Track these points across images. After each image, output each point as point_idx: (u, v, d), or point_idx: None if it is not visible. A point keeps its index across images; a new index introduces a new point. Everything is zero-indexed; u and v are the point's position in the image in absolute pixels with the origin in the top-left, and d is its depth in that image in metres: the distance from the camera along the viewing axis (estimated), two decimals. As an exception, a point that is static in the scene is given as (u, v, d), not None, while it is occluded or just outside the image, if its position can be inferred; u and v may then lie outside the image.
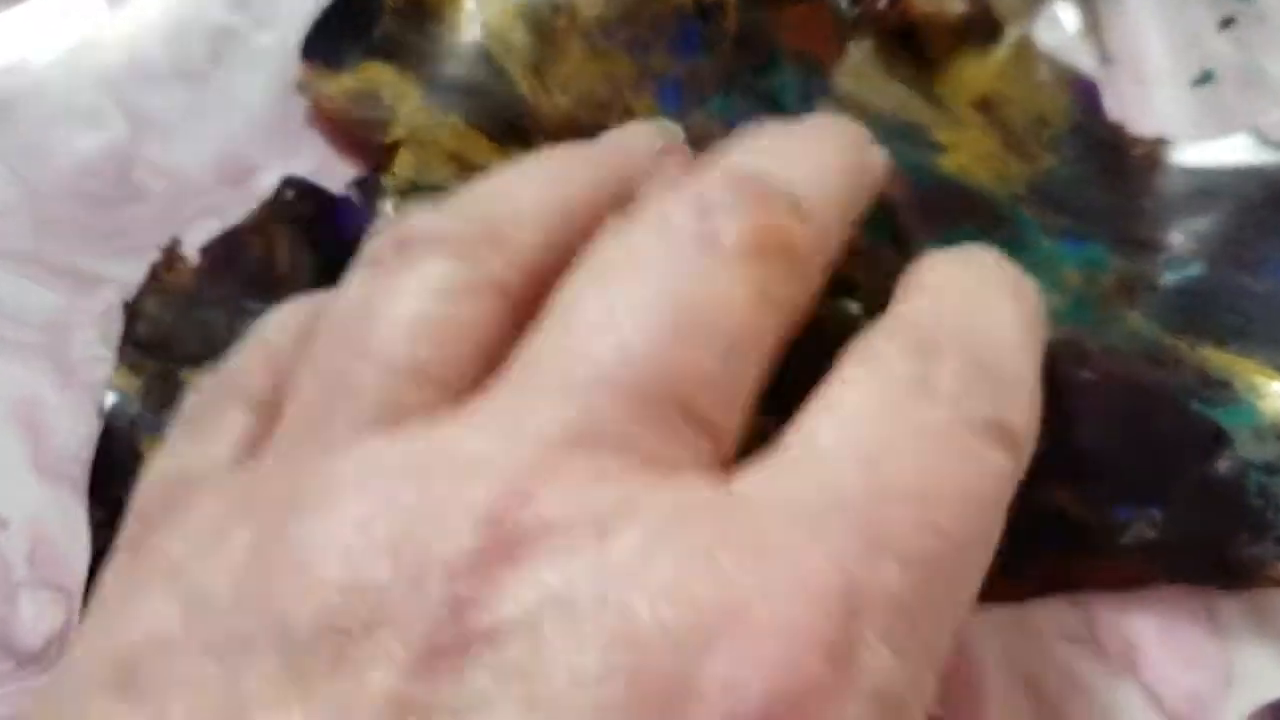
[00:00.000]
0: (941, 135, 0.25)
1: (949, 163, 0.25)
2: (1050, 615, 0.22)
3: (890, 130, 0.25)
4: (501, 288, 0.17)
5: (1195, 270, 0.24)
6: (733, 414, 0.16)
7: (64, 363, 0.25)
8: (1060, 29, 0.27)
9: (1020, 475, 0.17)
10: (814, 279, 0.18)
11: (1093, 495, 0.22)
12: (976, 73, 0.25)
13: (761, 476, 0.15)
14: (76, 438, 0.24)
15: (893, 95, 0.25)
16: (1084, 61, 0.27)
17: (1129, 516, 0.22)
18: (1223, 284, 0.24)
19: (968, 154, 0.25)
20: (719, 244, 0.16)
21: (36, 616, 0.23)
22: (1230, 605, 0.22)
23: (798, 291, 0.18)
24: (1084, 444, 0.23)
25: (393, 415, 0.15)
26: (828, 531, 0.14)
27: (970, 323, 0.18)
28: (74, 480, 0.24)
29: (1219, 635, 0.22)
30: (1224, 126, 0.26)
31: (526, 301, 0.17)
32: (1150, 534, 0.22)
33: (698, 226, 0.17)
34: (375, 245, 0.18)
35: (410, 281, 0.17)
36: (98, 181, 0.26)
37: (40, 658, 0.23)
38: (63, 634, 0.23)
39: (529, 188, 0.19)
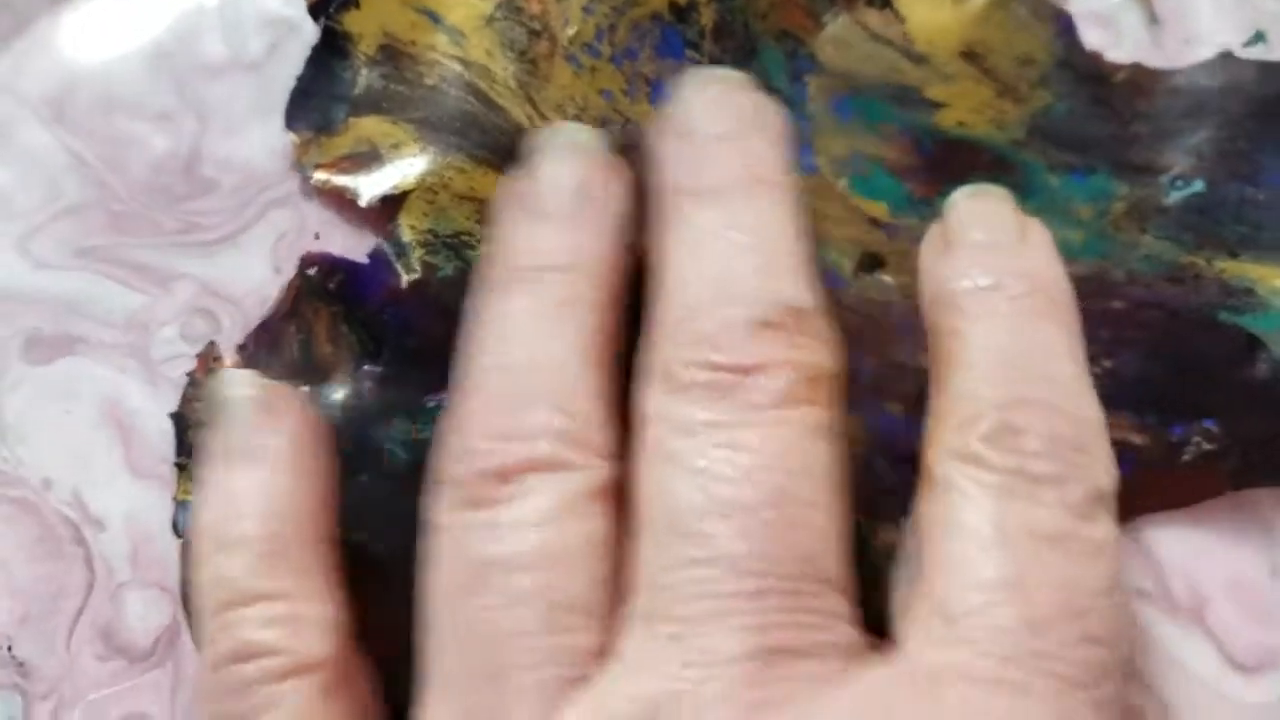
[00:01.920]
0: (934, 93, 0.25)
1: (946, 119, 0.25)
2: (1123, 569, 0.23)
3: (883, 95, 0.25)
4: (603, 487, 0.18)
5: (1198, 187, 0.25)
6: (846, 559, 0.18)
7: (148, 361, 0.25)
8: None
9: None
10: (841, 369, 0.19)
11: (1146, 419, 0.23)
12: (955, 24, 0.26)
13: (923, 635, 0.17)
14: (165, 436, 0.24)
15: (879, 61, 0.26)
16: (1132, 22, 0.27)
17: (1185, 432, 0.23)
18: (1226, 196, 0.25)
19: (963, 107, 0.25)
20: (767, 404, 0.17)
21: (144, 615, 0.23)
22: None
23: (837, 391, 0.19)
24: (1128, 372, 0.23)
25: (570, 665, 0.17)
26: (1018, 688, 0.16)
27: (1030, 372, 0.19)
28: (165, 479, 0.24)
29: None
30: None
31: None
32: (1209, 446, 0.23)
33: (743, 397, 0.17)
34: (456, 475, 0.18)
35: (526, 513, 0.17)
36: (168, 177, 0.26)
37: (149, 655, 0.23)
38: (170, 631, 0.23)
39: (555, 353, 0.19)
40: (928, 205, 0.25)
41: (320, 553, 0.19)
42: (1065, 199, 0.25)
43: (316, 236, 0.25)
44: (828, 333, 0.19)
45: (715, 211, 0.20)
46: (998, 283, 0.20)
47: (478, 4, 0.25)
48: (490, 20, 0.25)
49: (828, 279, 0.24)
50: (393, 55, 0.25)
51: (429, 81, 0.25)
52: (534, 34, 0.25)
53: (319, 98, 0.25)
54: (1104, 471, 0.19)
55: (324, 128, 0.25)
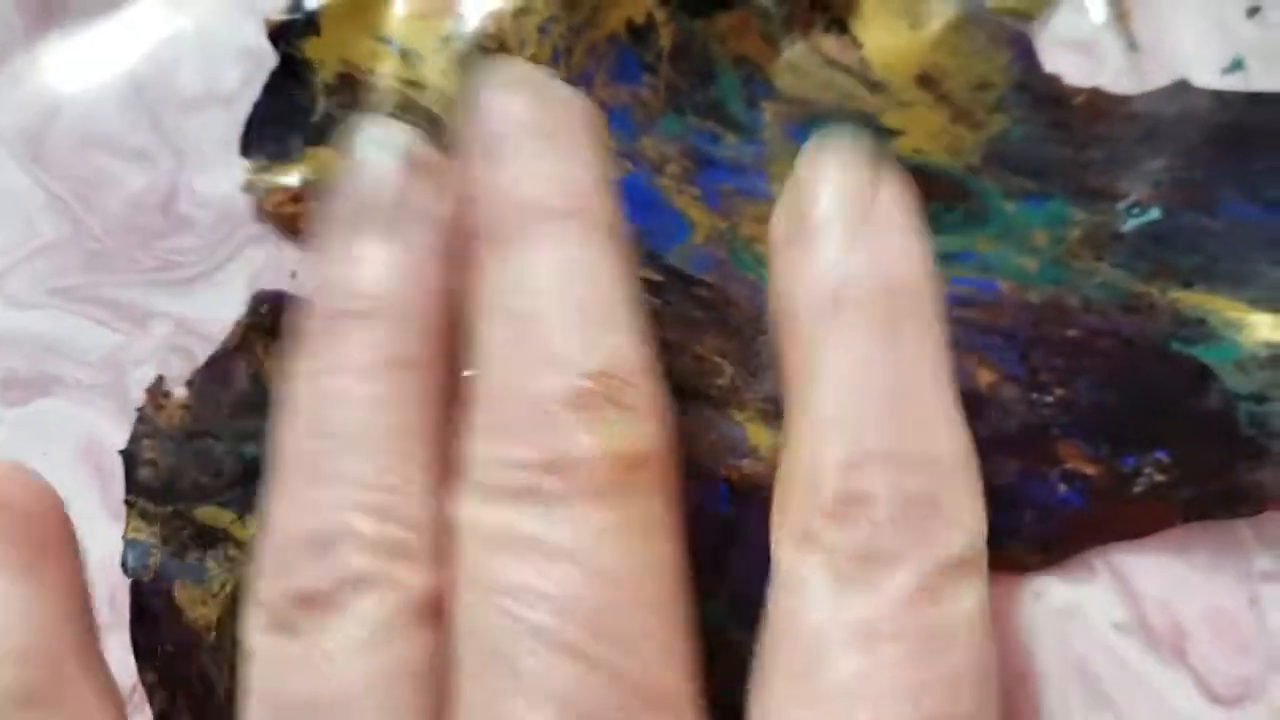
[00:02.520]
0: (890, 120, 0.25)
1: (902, 146, 0.25)
2: (1100, 604, 0.23)
3: (837, 125, 0.25)
4: (426, 600, 0.16)
5: (1154, 215, 0.25)
6: (689, 669, 0.16)
7: (125, 401, 0.25)
8: (1087, 19, 0.27)
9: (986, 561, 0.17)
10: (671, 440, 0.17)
11: (1099, 449, 0.23)
12: (912, 50, 0.25)
13: None
14: (143, 478, 0.24)
15: (837, 88, 0.26)
16: (1111, 48, 0.27)
17: (1137, 463, 0.23)
18: (1182, 225, 0.25)
19: (919, 134, 0.25)
20: (579, 503, 0.16)
21: (122, 659, 0.23)
22: (1275, 593, 0.23)
23: (668, 468, 0.17)
24: (1081, 401, 0.23)
25: None
26: None
27: (878, 409, 0.17)
28: (144, 520, 0.24)
29: (1265, 622, 0.23)
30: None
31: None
32: (1160, 477, 0.23)
33: (551, 498, 0.16)
34: (265, 595, 0.17)
35: (340, 643, 0.16)
36: (145, 215, 0.26)
37: (128, 699, 0.23)
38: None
39: (364, 427, 0.17)
40: None
41: None
42: (1022, 225, 0.25)
43: (294, 275, 0.25)
44: (652, 397, 0.17)
45: (514, 257, 0.17)
46: (842, 285, 0.17)
47: (435, 26, 0.25)
48: (446, 41, 0.25)
49: None
50: (350, 84, 0.25)
51: (384, 110, 0.25)
52: (488, 54, 0.25)
53: (276, 126, 0.25)
54: (961, 531, 0.17)
55: (279, 156, 0.25)
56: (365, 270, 0.18)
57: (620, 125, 0.25)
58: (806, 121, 0.26)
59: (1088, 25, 0.27)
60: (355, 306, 0.17)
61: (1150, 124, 0.25)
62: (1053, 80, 0.26)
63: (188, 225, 0.26)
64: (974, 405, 0.23)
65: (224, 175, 0.26)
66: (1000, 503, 0.23)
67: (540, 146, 0.18)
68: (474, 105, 0.18)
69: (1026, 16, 0.27)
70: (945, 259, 0.25)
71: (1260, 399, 0.23)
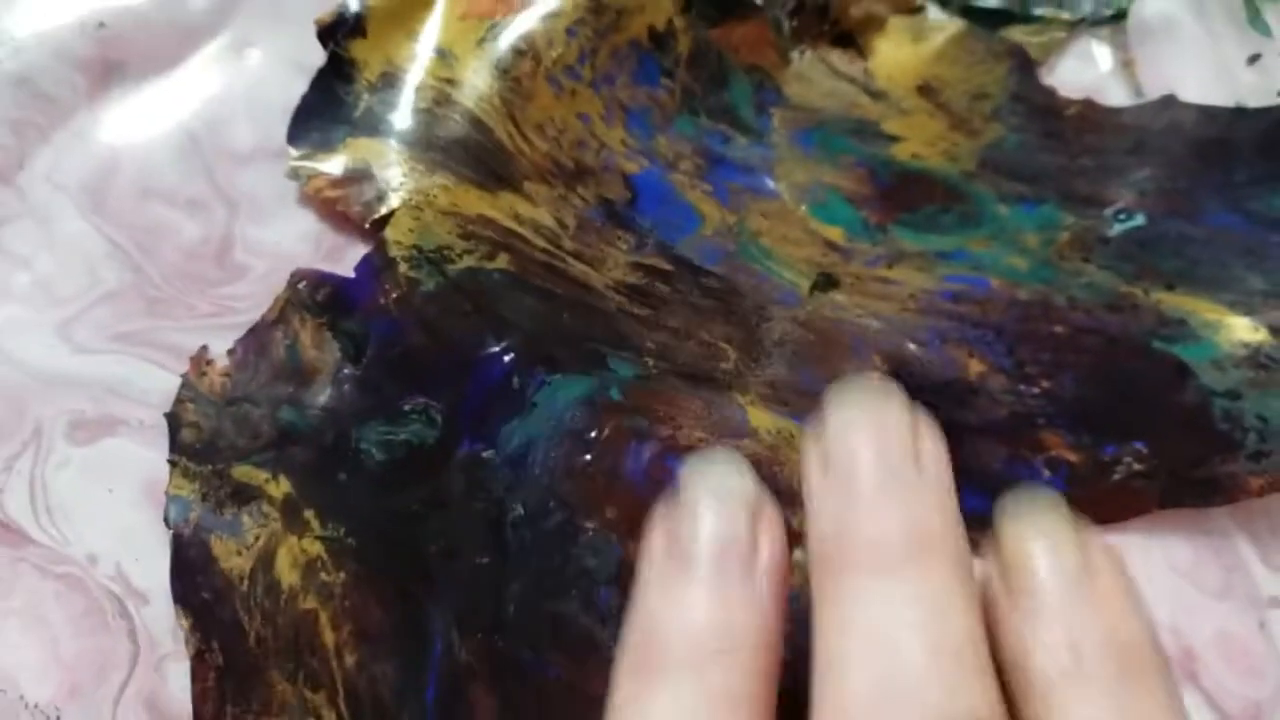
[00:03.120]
0: (891, 126, 0.27)
1: (901, 151, 0.27)
2: None
3: (843, 129, 0.27)
4: None
5: (1139, 220, 0.26)
6: None
7: None
8: (1094, 66, 0.29)
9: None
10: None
11: (1081, 438, 0.24)
12: (914, 61, 0.27)
13: None
14: (204, 513, 0.25)
15: (841, 96, 0.27)
16: (1117, 94, 0.28)
17: (1116, 452, 0.24)
18: (1165, 231, 0.26)
19: (918, 140, 0.27)
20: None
21: (186, 686, 0.24)
22: None
23: None
24: (1066, 393, 0.25)
25: None
26: None
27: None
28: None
29: (1275, 645, 0.24)
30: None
31: None
32: (1138, 466, 0.24)
33: None
34: None
35: None
36: (201, 263, 0.27)
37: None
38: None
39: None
40: (882, 231, 0.26)
41: None
42: (1014, 228, 0.26)
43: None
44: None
45: (875, 583, 0.17)
46: (1079, 651, 0.17)
47: (472, 30, 0.27)
48: (481, 41, 0.27)
49: (784, 297, 0.26)
50: (392, 82, 0.27)
51: (421, 105, 0.27)
52: (519, 53, 0.27)
53: (321, 119, 0.27)
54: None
55: (322, 145, 0.27)
56: (699, 615, 0.17)
57: (638, 125, 0.27)
58: (812, 127, 0.27)
59: (1094, 73, 0.29)
60: (682, 648, 0.17)
61: (1139, 135, 0.27)
62: (1048, 91, 0.27)
63: (241, 273, 0.27)
64: (964, 394, 0.25)
65: (276, 225, 0.27)
66: (988, 486, 0.24)
67: (892, 485, 0.18)
68: (831, 425, 0.18)
69: (1034, 63, 0.29)
70: (940, 257, 0.26)
71: (1234, 395, 0.24)
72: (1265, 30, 0.29)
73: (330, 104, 0.27)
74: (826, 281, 0.26)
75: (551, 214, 0.26)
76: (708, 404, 0.24)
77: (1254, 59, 0.29)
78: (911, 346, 0.25)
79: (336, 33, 0.27)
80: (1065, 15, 0.29)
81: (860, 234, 0.26)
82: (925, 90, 0.27)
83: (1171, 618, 0.24)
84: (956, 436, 0.24)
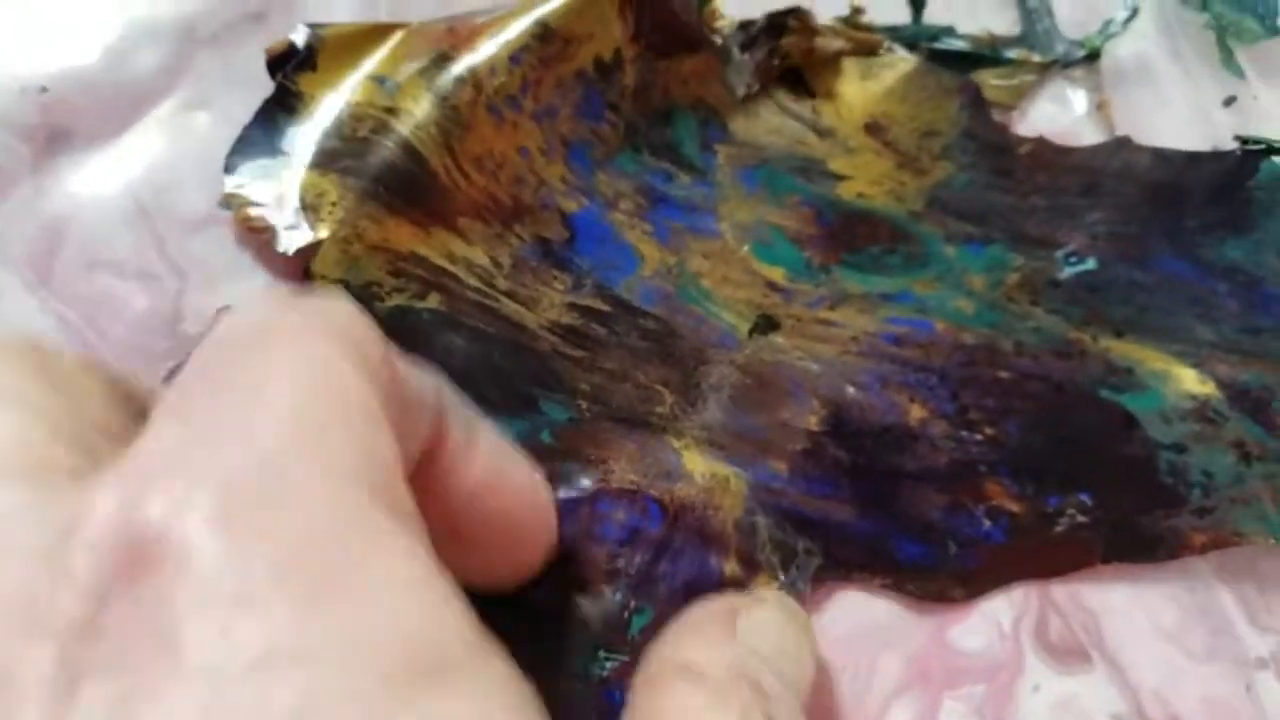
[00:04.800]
0: (837, 165, 0.26)
1: (847, 190, 0.26)
2: (1098, 697, 0.23)
3: (789, 167, 0.26)
4: None
5: (1090, 264, 0.26)
6: None
7: None
8: (1069, 110, 0.28)
9: None
10: None
11: (1024, 488, 0.24)
12: (861, 99, 0.26)
13: None
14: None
15: (787, 133, 0.26)
16: (1092, 136, 0.28)
17: (1060, 503, 0.24)
18: (1116, 277, 0.25)
19: (864, 179, 0.26)
20: None
21: None
22: (1270, 681, 0.23)
23: None
24: (1010, 441, 0.24)
25: None
26: None
27: None
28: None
29: (1262, 707, 0.23)
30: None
31: None
32: (1082, 518, 0.24)
33: None
34: None
35: None
36: (150, 335, 0.26)
37: None
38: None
39: None
40: (825, 272, 0.26)
41: None
42: (961, 269, 0.26)
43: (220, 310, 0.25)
44: None
45: None
46: None
47: (416, 58, 0.26)
48: (423, 70, 0.26)
49: (723, 340, 0.25)
50: (331, 111, 0.26)
51: (360, 134, 0.26)
52: (460, 81, 0.26)
53: (260, 148, 0.26)
54: None
55: (257, 174, 0.26)
56: None
57: (579, 160, 0.26)
58: (757, 165, 0.27)
59: (1069, 116, 0.28)
60: None
61: (1092, 176, 0.26)
62: (999, 129, 0.27)
63: (192, 343, 0.25)
64: (904, 440, 0.24)
65: (227, 293, 0.26)
66: (926, 535, 0.24)
67: None
68: None
69: (1007, 107, 0.28)
70: (884, 299, 0.26)
71: (1180, 449, 0.24)
72: (1238, 72, 0.29)
73: (270, 135, 0.26)
74: (766, 324, 0.25)
75: (486, 252, 0.25)
76: (641, 447, 0.24)
77: (1229, 101, 0.29)
78: (851, 390, 0.25)
79: (286, 64, 0.27)
80: (1036, 57, 0.29)
81: (803, 274, 0.26)
82: (873, 128, 0.27)
83: (1157, 684, 0.23)
84: (895, 483, 0.24)
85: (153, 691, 0.11)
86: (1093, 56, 0.29)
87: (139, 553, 0.12)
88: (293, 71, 0.27)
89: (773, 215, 0.26)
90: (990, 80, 0.28)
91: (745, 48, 0.27)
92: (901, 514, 0.24)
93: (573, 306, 0.25)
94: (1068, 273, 0.26)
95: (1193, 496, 0.24)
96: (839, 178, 0.26)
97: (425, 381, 0.17)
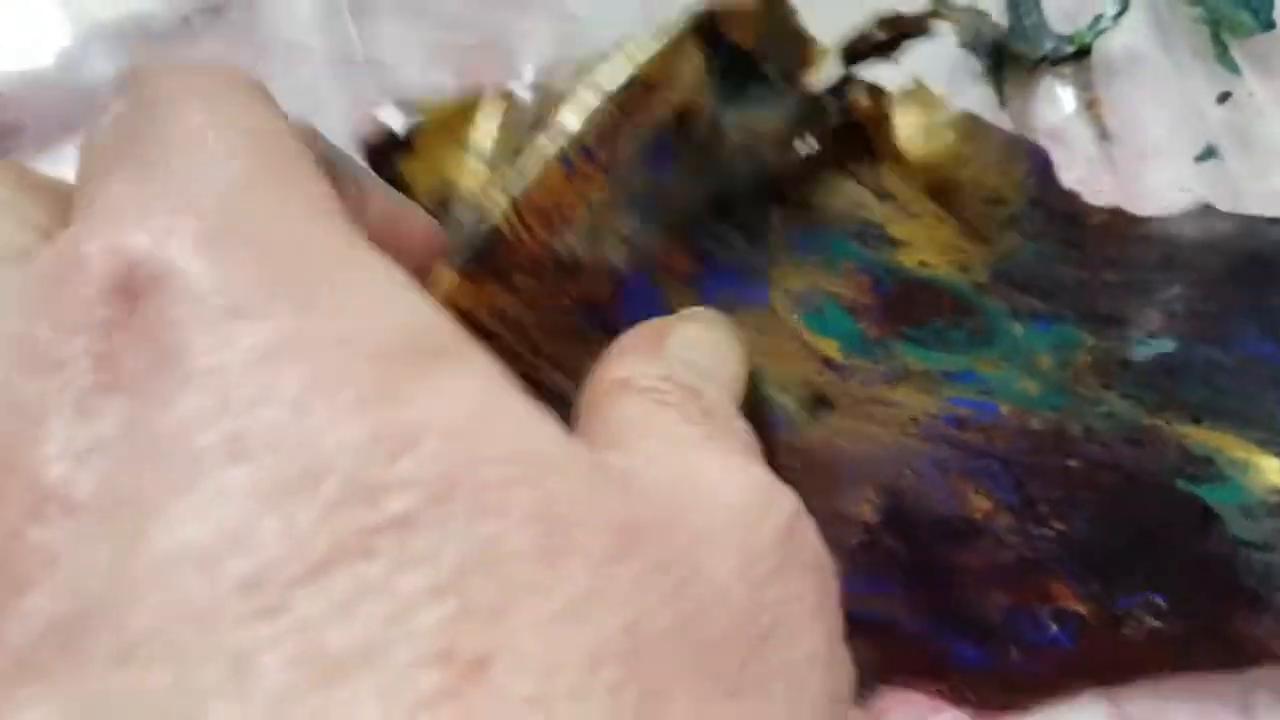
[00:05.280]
0: (896, 230, 0.25)
1: (908, 258, 0.24)
2: None
3: (846, 231, 0.25)
4: None
5: (1167, 346, 0.24)
6: None
7: None
8: (1059, 109, 0.27)
9: None
10: None
11: (1091, 587, 0.22)
12: (924, 161, 0.25)
13: None
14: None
15: (845, 195, 0.25)
16: (1083, 137, 0.27)
17: (1130, 604, 0.22)
18: (1194, 358, 0.24)
19: (925, 247, 0.24)
20: None
21: None
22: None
23: None
24: (1077, 535, 0.23)
25: None
26: None
27: None
28: None
29: None
30: (1228, 197, 0.26)
31: None
32: (1154, 622, 0.22)
33: None
34: None
35: None
36: None
37: None
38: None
39: None
40: (882, 346, 0.24)
41: None
42: (1027, 347, 0.24)
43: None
44: None
45: None
46: None
47: (513, 130, 0.25)
48: (504, 125, 0.25)
49: (773, 421, 0.24)
50: (443, 200, 0.25)
51: (458, 210, 0.24)
52: (534, 127, 0.23)
53: None
54: None
55: None
56: None
57: (642, 216, 0.24)
58: (812, 226, 0.25)
59: (1058, 115, 0.27)
60: None
61: (1169, 248, 0.25)
62: (1071, 197, 0.25)
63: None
64: (965, 533, 0.23)
65: None
66: (986, 639, 0.22)
67: None
68: None
69: (1053, 165, 0.26)
70: (945, 378, 0.24)
71: (1265, 548, 0.22)
72: (1233, 68, 0.27)
73: None
74: (819, 402, 0.24)
75: (533, 314, 0.23)
76: None
77: (1224, 97, 0.27)
78: (909, 476, 0.23)
79: (387, 154, 0.25)
80: (1026, 53, 0.27)
81: (859, 349, 0.24)
82: (936, 193, 0.25)
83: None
84: (954, 581, 0.23)
85: (164, 399, 0.12)
86: (1083, 53, 0.28)
87: (132, 283, 0.12)
88: (395, 160, 0.25)
89: (827, 283, 0.25)
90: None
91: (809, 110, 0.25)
92: (961, 615, 0.23)
93: None
94: (1142, 353, 0.24)
95: (1277, 600, 0.22)
96: (899, 244, 0.25)
97: (318, 140, 0.17)
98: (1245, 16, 0.27)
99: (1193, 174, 0.26)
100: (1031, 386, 0.24)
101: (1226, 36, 0.28)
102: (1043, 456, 0.23)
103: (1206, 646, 0.22)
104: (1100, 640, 0.22)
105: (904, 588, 0.23)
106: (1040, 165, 0.25)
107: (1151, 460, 0.23)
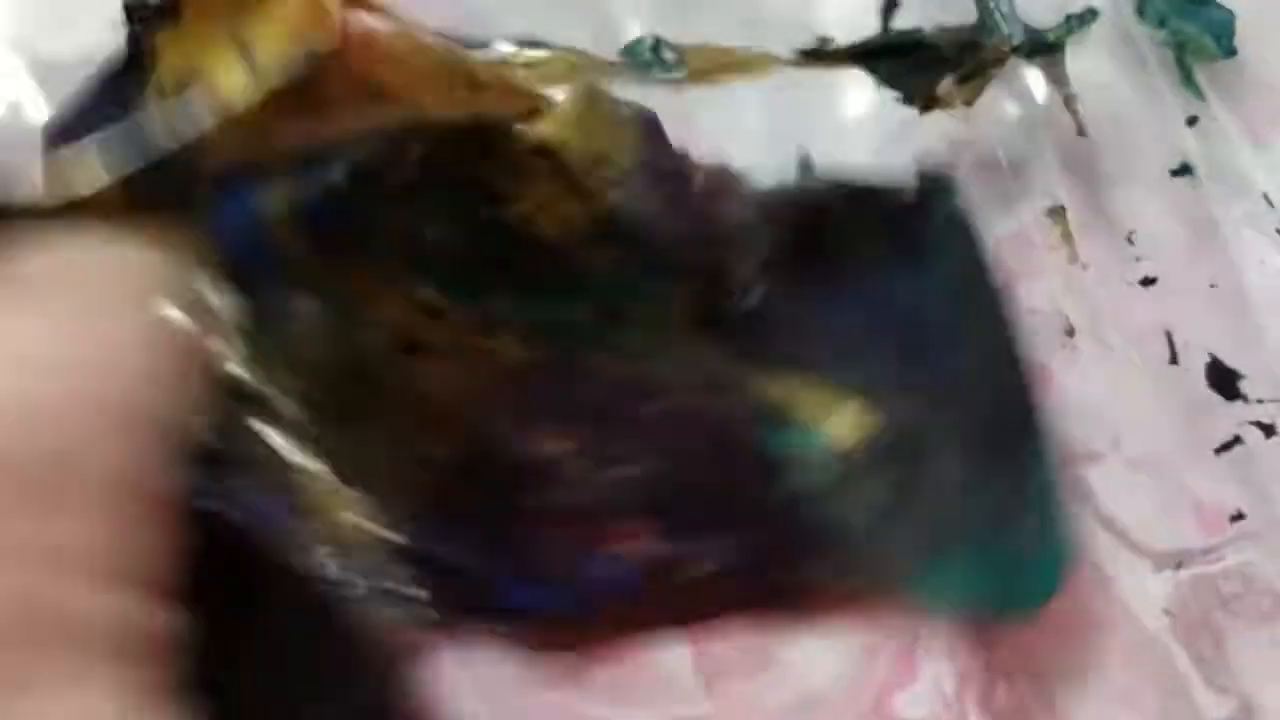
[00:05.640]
0: (501, 185, 0.25)
1: (512, 213, 0.25)
2: None
3: (453, 186, 0.24)
4: None
5: (755, 297, 0.24)
6: None
7: None
8: (1032, 102, 0.27)
9: None
10: None
11: (658, 530, 0.23)
12: (542, 125, 0.24)
13: None
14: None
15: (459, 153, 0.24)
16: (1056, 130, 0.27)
17: (695, 548, 0.23)
18: (781, 310, 0.24)
19: (531, 202, 0.25)
20: None
21: None
22: None
23: None
24: (647, 479, 0.23)
25: None
26: None
27: None
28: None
29: None
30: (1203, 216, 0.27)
31: None
32: (717, 566, 0.22)
33: None
34: None
35: None
36: None
37: None
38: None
39: None
40: (480, 295, 0.24)
41: None
42: (624, 299, 0.24)
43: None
44: None
45: None
46: None
47: (287, 31, 0.22)
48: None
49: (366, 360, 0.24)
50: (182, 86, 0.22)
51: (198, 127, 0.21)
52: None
53: (91, 119, 0.22)
54: None
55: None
56: None
57: None
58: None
59: (1032, 110, 0.27)
60: None
61: (768, 204, 0.25)
62: (677, 156, 0.25)
63: None
64: (537, 476, 0.23)
65: None
66: (546, 580, 0.23)
67: None
68: None
69: (965, 103, 0.27)
70: (541, 327, 0.24)
71: (827, 495, 0.23)
72: (1198, 93, 0.28)
73: (108, 101, 0.22)
74: (410, 346, 0.24)
75: None
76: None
77: (1192, 121, 0.28)
78: (493, 423, 0.23)
79: (143, 12, 0.22)
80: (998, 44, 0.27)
81: (456, 296, 0.24)
82: (543, 150, 0.25)
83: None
84: (521, 524, 0.23)
85: None
86: (1055, 48, 0.27)
87: None
88: (151, 22, 0.22)
89: (430, 231, 0.25)
90: (946, 85, 0.27)
91: None
92: (526, 558, 0.23)
93: None
94: (732, 305, 0.24)
95: (835, 548, 0.22)
96: (503, 199, 0.25)
97: None
98: (1208, 42, 0.27)
99: (1167, 188, 0.27)
100: (622, 337, 0.24)
101: (1190, 60, 0.28)
102: (622, 404, 0.24)
103: (770, 591, 0.23)
104: (664, 583, 0.23)
105: (470, 531, 0.23)
106: (649, 128, 0.25)
107: (727, 408, 0.23)
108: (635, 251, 0.25)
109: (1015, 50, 0.27)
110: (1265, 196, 0.26)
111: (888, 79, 0.26)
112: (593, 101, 0.25)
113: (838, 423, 0.23)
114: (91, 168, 0.20)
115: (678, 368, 0.24)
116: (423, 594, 0.22)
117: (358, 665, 0.20)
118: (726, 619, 0.23)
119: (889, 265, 0.24)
